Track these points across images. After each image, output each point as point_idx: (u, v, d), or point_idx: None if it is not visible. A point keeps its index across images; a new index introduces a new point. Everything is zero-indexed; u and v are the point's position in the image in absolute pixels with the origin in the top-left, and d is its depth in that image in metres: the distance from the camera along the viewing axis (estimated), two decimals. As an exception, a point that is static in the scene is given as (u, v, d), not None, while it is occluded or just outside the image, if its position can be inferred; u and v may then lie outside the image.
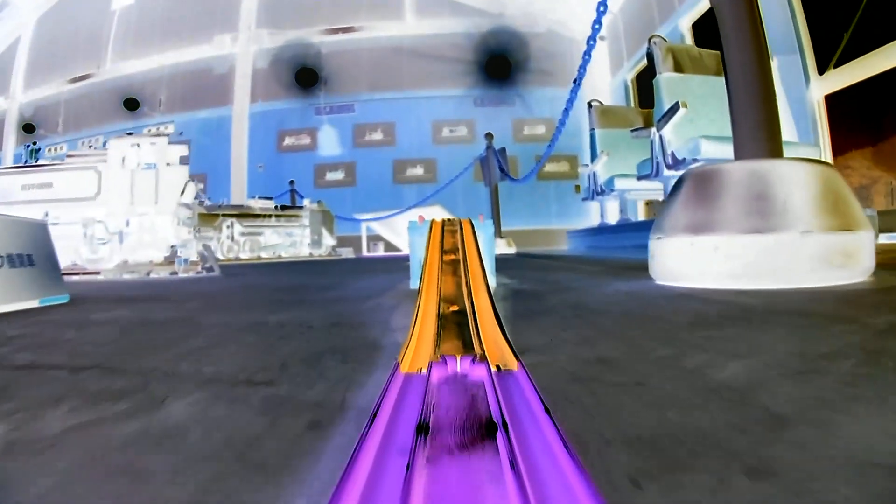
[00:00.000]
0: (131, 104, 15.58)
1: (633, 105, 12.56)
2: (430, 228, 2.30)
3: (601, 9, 5.59)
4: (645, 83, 12.11)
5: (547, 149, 6.90)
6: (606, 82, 14.46)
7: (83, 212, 3.91)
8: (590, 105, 9.28)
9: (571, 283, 2.54)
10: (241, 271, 4.64)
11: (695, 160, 5.94)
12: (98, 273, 3.63)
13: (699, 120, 6.51)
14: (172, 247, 5.16)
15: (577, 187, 14.76)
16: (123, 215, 3.95)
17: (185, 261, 3.50)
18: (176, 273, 3.43)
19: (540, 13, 14.51)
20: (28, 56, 17.20)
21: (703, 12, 8.77)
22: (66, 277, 4.16)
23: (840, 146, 7.38)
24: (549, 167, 13.78)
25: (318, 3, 15.12)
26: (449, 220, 2.61)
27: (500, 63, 14.48)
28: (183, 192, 4.22)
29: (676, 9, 9.23)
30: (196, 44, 15.32)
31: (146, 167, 3.95)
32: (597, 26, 5.71)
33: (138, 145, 3.96)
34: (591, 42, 6.44)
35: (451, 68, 14.56)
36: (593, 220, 13.95)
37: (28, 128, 16.77)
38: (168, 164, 4.09)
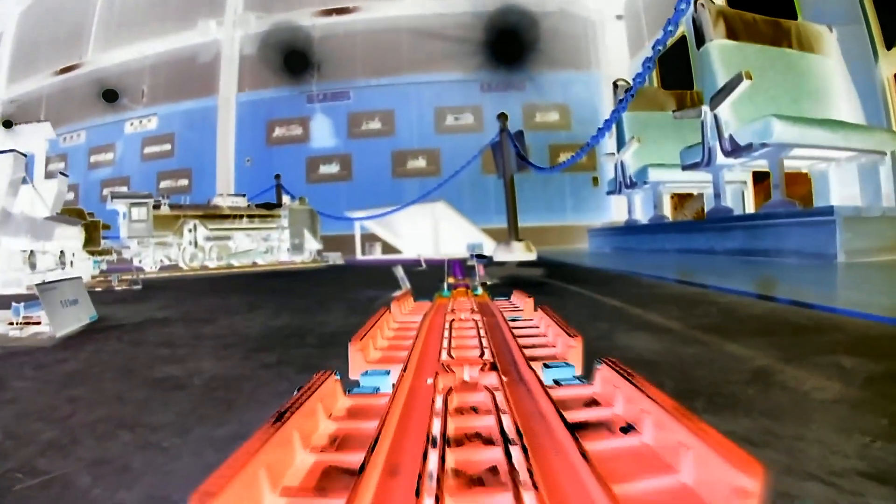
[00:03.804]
0: (110, 96, 14.67)
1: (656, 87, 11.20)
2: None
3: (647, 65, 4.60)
4: (671, 63, 10.76)
5: (585, 146, 5.63)
6: (625, 64, 13.10)
7: None
8: (615, 85, 7.96)
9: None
10: (138, 299, 3.40)
11: (763, 145, 4.61)
12: None
13: (758, 97, 5.18)
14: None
15: (595, 179, 13.40)
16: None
17: None
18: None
19: (550, -10, 13.28)
20: (11, 51, 16.52)
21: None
22: None
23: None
24: (564, 157, 12.42)
25: (311, -19, 13.90)
26: None
27: (508, 44, 13.19)
28: None
29: (707, -24, 7.71)
30: (179, 30, 14.29)
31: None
32: (639, 80, 4.70)
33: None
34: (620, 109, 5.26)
35: (456, 50, 13.30)
36: (615, 216, 12.57)
37: (7, 124, 15.91)
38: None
